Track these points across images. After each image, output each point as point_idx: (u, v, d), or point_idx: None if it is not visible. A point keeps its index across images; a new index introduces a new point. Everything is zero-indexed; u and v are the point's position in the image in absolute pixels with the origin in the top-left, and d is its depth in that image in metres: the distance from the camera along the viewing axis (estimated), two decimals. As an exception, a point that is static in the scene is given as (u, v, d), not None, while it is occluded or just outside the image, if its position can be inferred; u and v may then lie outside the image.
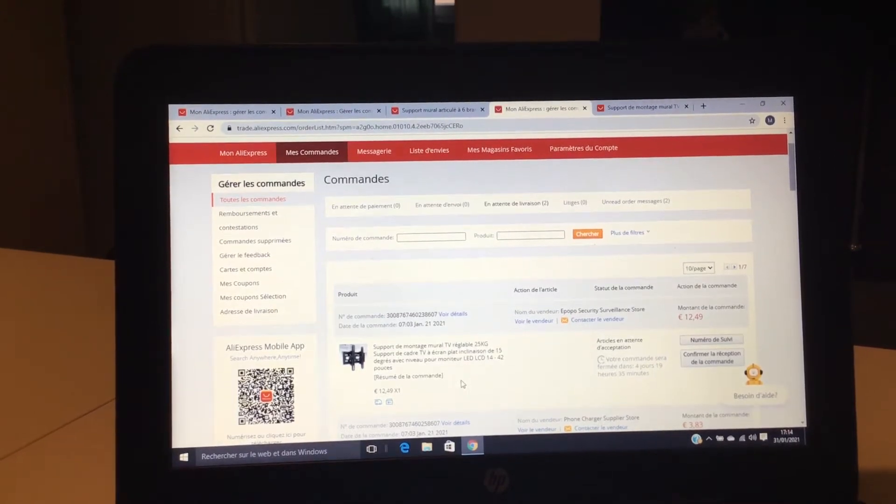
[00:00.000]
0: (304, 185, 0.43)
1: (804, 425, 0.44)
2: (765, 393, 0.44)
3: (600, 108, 0.44)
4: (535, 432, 0.43)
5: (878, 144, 2.12)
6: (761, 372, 0.44)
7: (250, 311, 0.43)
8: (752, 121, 0.45)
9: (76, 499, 0.49)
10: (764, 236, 0.44)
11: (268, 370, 0.43)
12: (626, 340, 0.44)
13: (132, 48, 0.43)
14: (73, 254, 1.08)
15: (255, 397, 0.43)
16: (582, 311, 0.44)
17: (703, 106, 0.45)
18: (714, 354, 0.44)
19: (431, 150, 0.44)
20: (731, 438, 0.44)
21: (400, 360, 0.43)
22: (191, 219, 0.43)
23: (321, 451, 0.43)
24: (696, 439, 0.44)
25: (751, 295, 0.44)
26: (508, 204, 0.44)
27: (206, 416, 0.42)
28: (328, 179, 0.44)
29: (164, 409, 0.42)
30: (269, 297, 0.43)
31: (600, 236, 0.44)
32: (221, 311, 0.43)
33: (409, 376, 0.43)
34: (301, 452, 0.43)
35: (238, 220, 0.43)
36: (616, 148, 0.44)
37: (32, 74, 2.28)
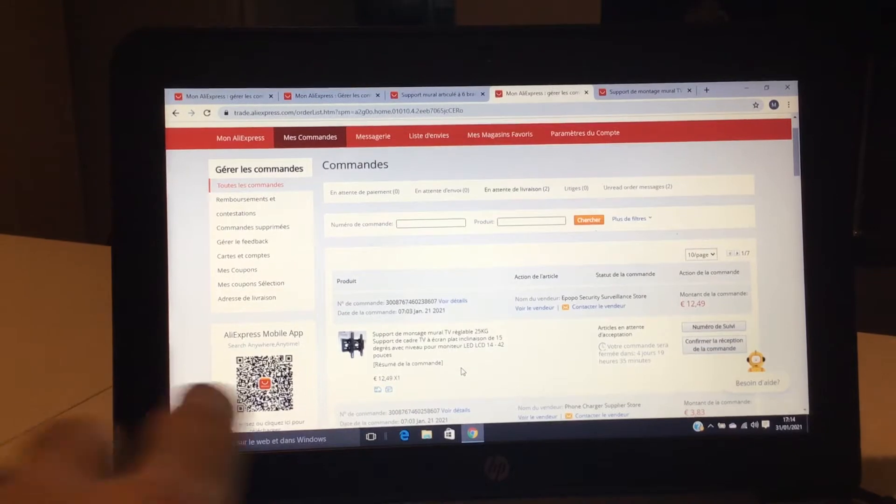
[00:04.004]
0: (302, 170, 0.43)
1: (807, 413, 0.43)
2: (767, 380, 0.43)
3: (602, 93, 0.44)
4: (535, 420, 0.43)
5: (878, 130, 2.11)
6: (764, 359, 0.43)
7: (248, 298, 0.42)
8: (755, 105, 0.44)
9: (74, 486, 0.49)
10: (767, 222, 0.44)
11: (266, 357, 0.42)
12: (627, 327, 0.43)
13: (128, 31, 0.42)
14: (73, 240, 1.08)
15: (254, 385, 0.42)
16: (583, 297, 0.43)
17: (706, 90, 0.44)
18: (716, 341, 0.43)
19: (431, 136, 0.43)
20: (732, 426, 0.43)
21: (399, 348, 0.43)
22: (188, 205, 0.42)
23: (320, 439, 0.42)
24: (698, 427, 0.43)
25: (753, 281, 0.44)
26: (509, 190, 0.43)
27: (205, 404, 0.42)
28: (327, 165, 0.43)
29: (162, 396, 0.42)
30: (268, 283, 0.43)
31: (602, 222, 0.44)
32: (219, 298, 0.42)
33: (408, 363, 0.43)
34: (300, 440, 0.42)
35: (235, 206, 0.43)
36: (618, 133, 0.44)
37: (30, 60, 2.27)
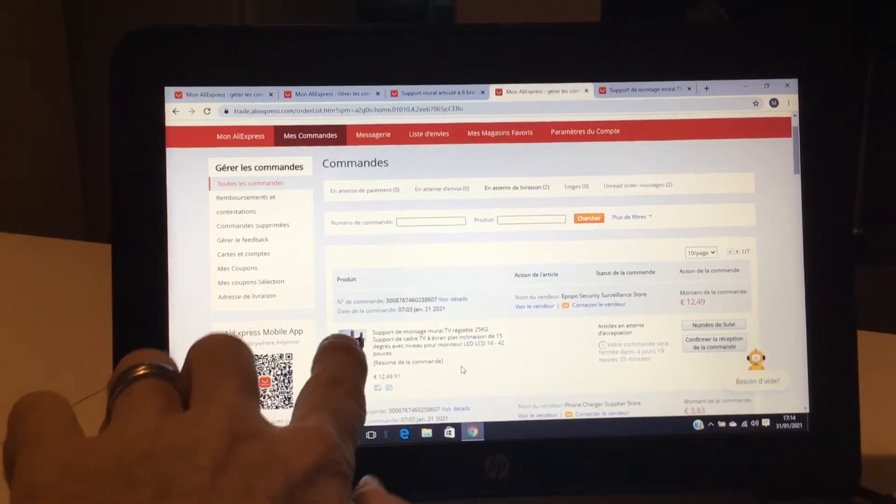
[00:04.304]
0: (302, 168, 0.43)
1: (807, 411, 0.43)
2: (767, 378, 0.43)
3: (602, 91, 0.44)
4: (535, 418, 0.43)
5: (878, 129, 2.11)
6: (764, 357, 0.43)
7: (248, 297, 0.42)
8: (755, 103, 0.44)
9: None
10: (767, 220, 0.44)
11: (266, 356, 0.42)
12: (627, 326, 0.43)
13: (128, 30, 0.42)
14: (73, 238, 1.08)
15: (254, 383, 0.42)
16: (583, 296, 0.43)
17: (707, 88, 0.44)
18: (716, 340, 0.43)
19: (431, 134, 0.43)
20: (733, 424, 0.43)
21: (399, 346, 0.43)
22: (188, 203, 0.42)
23: (320, 437, 0.42)
24: (698, 425, 0.43)
25: (753, 280, 0.44)
26: (509, 188, 0.43)
27: (205, 402, 0.42)
28: (327, 163, 0.43)
29: (162, 394, 0.42)
30: (268, 282, 0.43)
31: (602, 221, 0.44)
32: (219, 297, 0.42)
33: (408, 362, 0.43)
34: (300, 438, 0.42)
35: (236, 205, 0.43)
36: (618, 131, 0.44)
37: (30, 60, 2.27)
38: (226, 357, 0.29)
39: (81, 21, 2.35)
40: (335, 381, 0.30)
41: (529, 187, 0.43)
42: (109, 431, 0.26)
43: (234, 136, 0.43)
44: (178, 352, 0.42)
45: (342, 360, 0.31)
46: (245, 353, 0.30)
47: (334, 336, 0.33)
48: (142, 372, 0.28)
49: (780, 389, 0.43)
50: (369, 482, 0.31)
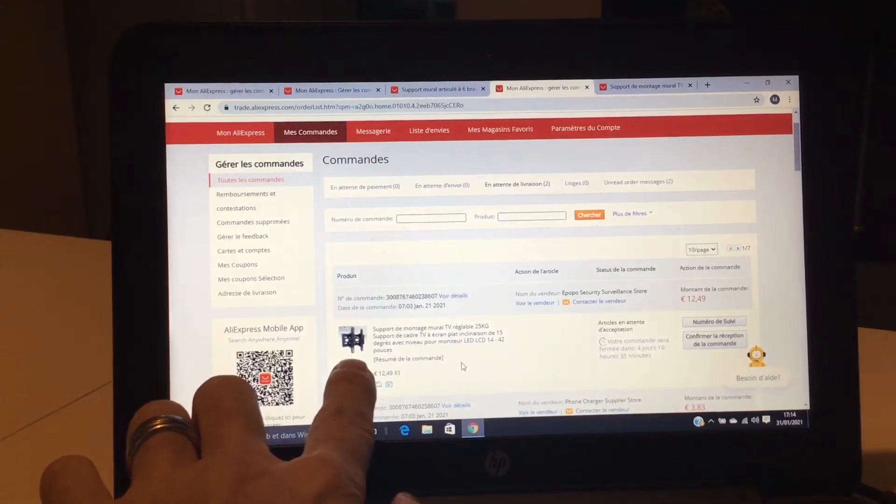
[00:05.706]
0: (302, 165, 0.43)
1: (807, 408, 0.43)
2: (768, 375, 0.43)
3: (602, 87, 0.44)
4: (535, 415, 0.43)
5: (879, 125, 2.11)
6: (764, 354, 0.43)
7: (248, 293, 0.42)
8: (756, 100, 0.44)
9: (75, 481, 0.49)
10: (768, 217, 0.44)
11: (267, 352, 0.42)
12: (627, 322, 0.43)
13: (128, 26, 0.42)
14: (74, 235, 1.08)
15: (254, 380, 0.42)
16: (583, 292, 0.43)
17: (707, 85, 0.44)
18: (717, 336, 0.43)
19: (431, 130, 0.43)
20: (733, 421, 0.43)
21: (400, 343, 0.43)
22: (188, 199, 0.42)
23: (321, 434, 0.42)
24: (699, 422, 0.43)
25: (754, 276, 0.44)
26: (509, 184, 0.43)
27: (205, 399, 0.42)
28: (327, 160, 0.43)
29: (162, 391, 0.42)
30: (268, 278, 0.43)
31: (602, 217, 0.44)
32: (219, 293, 0.42)
33: (408, 359, 0.43)
34: (300, 435, 0.42)
35: (236, 201, 0.43)
36: (618, 128, 0.44)
37: (30, 60, 2.27)
38: (227, 401, 0.31)
39: (81, 21, 2.35)
40: (338, 411, 0.33)
41: (530, 184, 0.43)
42: (131, 492, 0.29)
43: (235, 132, 0.43)
44: (178, 348, 0.42)
45: (344, 391, 0.34)
46: (245, 392, 0.32)
47: (341, 364, 0.36)
48: (158, 426, 0.30)
49: (781, 386, 0.43)
50: (402, 499, 0.32)
